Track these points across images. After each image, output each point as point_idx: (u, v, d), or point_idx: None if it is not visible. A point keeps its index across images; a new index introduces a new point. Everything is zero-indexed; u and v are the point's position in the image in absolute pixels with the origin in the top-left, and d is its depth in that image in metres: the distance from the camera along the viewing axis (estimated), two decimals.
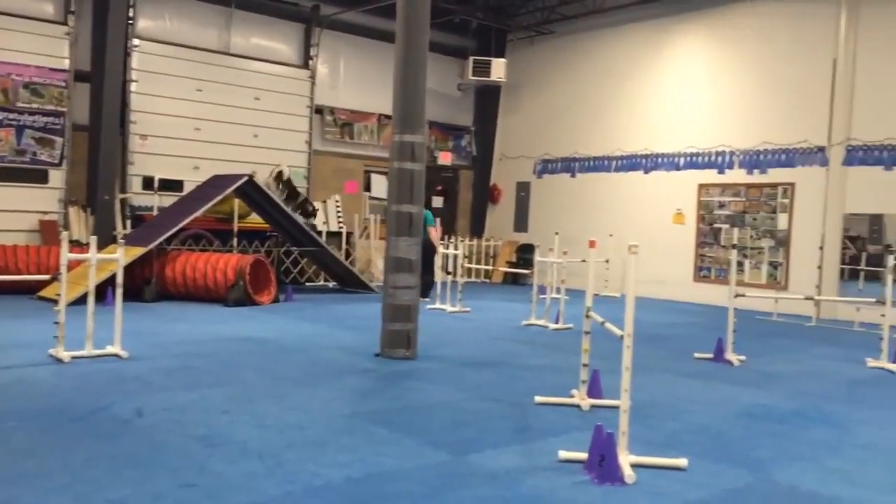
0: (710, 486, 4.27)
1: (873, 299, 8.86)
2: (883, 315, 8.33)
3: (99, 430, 4.88)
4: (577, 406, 5.92)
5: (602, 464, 4.27)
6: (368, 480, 4.15)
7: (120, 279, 7.27)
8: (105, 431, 4.84)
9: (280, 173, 14.26)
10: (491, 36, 17.95)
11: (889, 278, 8.48)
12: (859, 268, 11.90)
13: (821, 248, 12.74)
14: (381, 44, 16.88)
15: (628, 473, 4.26)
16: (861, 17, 12.73)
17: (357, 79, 16.98)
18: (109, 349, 7.15)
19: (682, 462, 4.54)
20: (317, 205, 16.02)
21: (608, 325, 5.13)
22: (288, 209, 13.08)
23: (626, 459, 4.37)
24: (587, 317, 5.92)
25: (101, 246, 10.20)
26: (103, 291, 9.54)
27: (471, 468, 4.43)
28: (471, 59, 17.31)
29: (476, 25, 17.74)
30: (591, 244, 6.17)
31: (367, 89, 16.96)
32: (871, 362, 8.37)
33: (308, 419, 5.30)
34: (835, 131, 12.96)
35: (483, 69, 17.23)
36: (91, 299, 7.07)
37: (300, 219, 13.39)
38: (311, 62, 16.19)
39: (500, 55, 17.83)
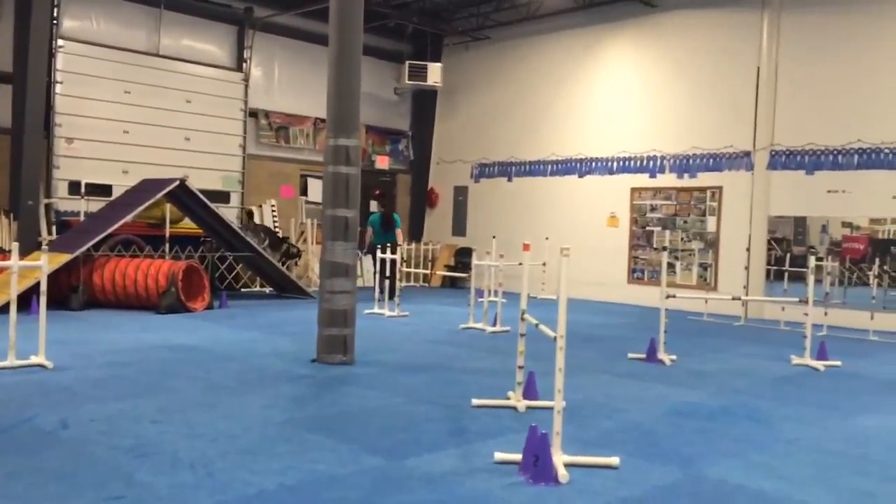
0: (641, 483, 4.36)
1: (797, 299, 9.17)
2: (806, 314, 8.64)
3: (21, 443, 4.70)
4: (514, 408, 5.96)
5: (536, 464, 4.31)
6: (303, 488, 4.10)
7: (44, 287, 7.04)
8: (28, 445, 4.67)
9: (250, 213, 14.39)
10: (427, 41, 17.98)
11: (811, 279, 8.80)
12: (784, 268, 12.30)
13: (747, 249, 13.14)
14: (316, 47, 16.71)
15: (562, 473, 4.31)
16: (782, 26, 13.19)
17: (292, 82, 16.81)
18: (34, 359, 6.90)
19: (615, 460, 4.61)
20: (253, 209, 15.84)
21: (542, 328, 5.19)
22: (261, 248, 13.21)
23: (559, 459, 4.43)
24: (522, 319, 5.98)
25: (25, 253, 9.86)
26: (27, 300, 9.20)
27: (407, 472, 4.42)
28: (407, 63, 17.31)
29: (412, 30, 17.76)
30: (525, 247, 6.23)
31: (302, 93, 16.80)
32: (795, 360, 8.65)
33: (241, 427, 5.21)
34: (759, 137, 13.39)
35: (419, 73, 17.25)
36: (13, 308, 6.82)
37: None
38: (244, 65, 15.94)
39: (437, 60, 17.89)
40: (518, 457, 4.54)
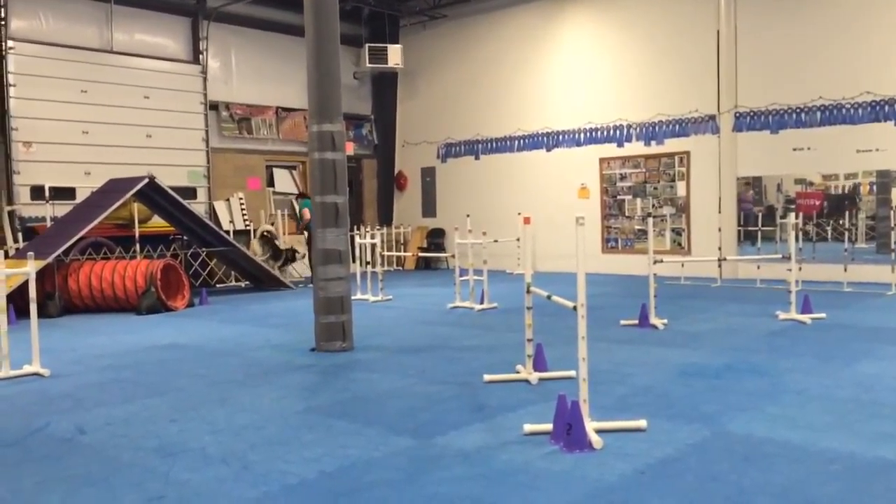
0: (672, 442, 4.43)
1: (780, 255, 9.37)
2: (789, 269, 8.83)
3: (41, 452, 4.59)
4: (526, 380, 6.00)
5: (570, 433, 4.36)
6: (342, 473, 4.08)
7: (33, 293, 6.87)
8: (48, 453, 4.56)
9: (263, 234, 14.61)
10: (384, 22, 17.82)
11: (791, 235, 8.99)
12: (752, 228, 12.56)
13: (719, 211, 13.37)
14: (273, 35, 16.53)
15: (595, 439, 4.36)
16: None
17: (251, 72, 16.52)
18: (28, 368, 6.75)
19: (643, 423, 4.68)
20: (220, 204, 15.60)
21: (556, 298, 5.22)
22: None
23: (590, 426, 4.48)
24: (528, 292, 6.01)
25: None
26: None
27: (440, 450, 4.43)
28: (366, 46, 17.14)
29: (368, 12, 17.59)
30: (526, 220, 6.26)
31: (262, 82, 16.55)
32: (781, 315, 8.84)
33: (262, 419, 5.17)
34: (723, 100, 13.60)
35: (379, 56, 17.10)
36: (3, 318, 6.63)
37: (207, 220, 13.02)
38: (201, 56, 15.62)
39: (395, 41, 17.74)
40: (548, 427, 4.57)
